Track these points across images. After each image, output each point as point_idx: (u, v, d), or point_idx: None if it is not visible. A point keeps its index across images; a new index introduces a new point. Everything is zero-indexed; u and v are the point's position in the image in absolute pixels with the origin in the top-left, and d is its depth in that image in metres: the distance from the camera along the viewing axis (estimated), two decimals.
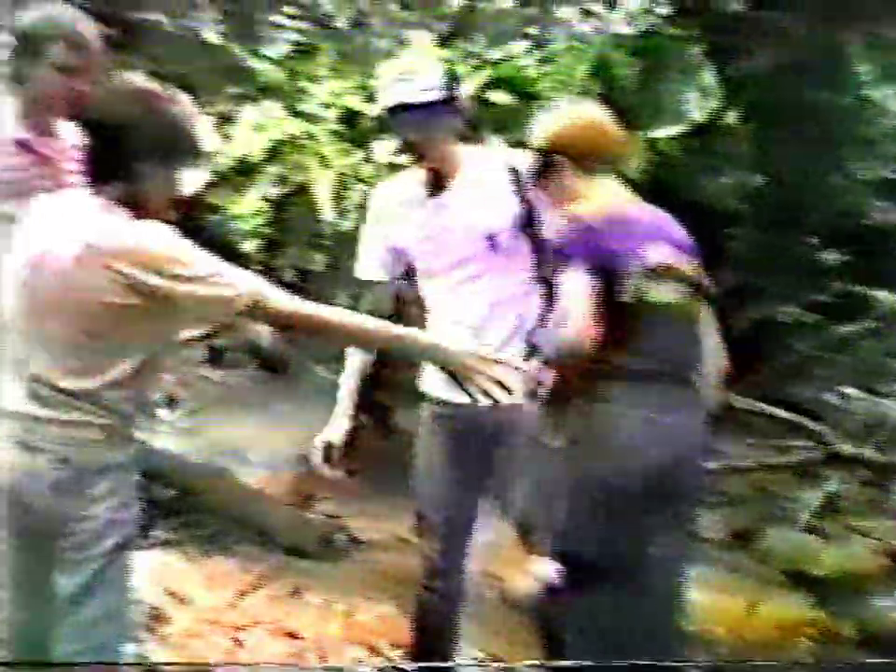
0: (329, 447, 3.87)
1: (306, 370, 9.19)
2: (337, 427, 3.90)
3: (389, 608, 5.38)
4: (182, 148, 2.96)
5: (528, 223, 3.61)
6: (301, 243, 5.98)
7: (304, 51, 7.35)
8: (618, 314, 3.14)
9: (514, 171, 3.61)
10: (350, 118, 6.32)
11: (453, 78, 3.57)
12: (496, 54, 6.25)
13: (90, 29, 3.55)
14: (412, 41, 6.89)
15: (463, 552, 3.88)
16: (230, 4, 8.35)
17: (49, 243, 2.93)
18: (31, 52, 3.47)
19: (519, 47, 6.23)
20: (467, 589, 3.92)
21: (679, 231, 3.37)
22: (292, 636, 5.02)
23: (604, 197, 3.33)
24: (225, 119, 6.85)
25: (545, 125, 3.46)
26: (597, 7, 6.10)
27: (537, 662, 3.82)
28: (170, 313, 2.92)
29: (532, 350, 3.41)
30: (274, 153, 6.20)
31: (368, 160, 5.73)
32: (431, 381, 3.76)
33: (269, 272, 6.16)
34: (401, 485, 7.56)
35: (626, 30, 5.76)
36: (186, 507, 6.56)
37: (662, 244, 3.26)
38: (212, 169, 6.25)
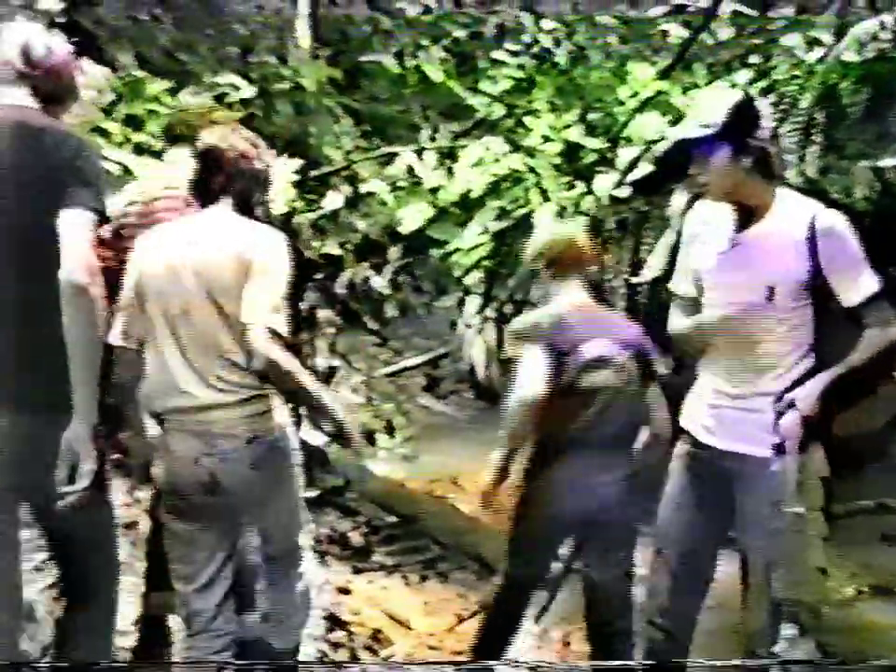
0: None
1: None
2: None
3: None
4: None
5: (814, 284, 3.54)
6: (522, 275, 6.04)
7: (523, 86, 7.44)
8: (561, 396, 3.91)
9: (814, 228, 3.53)
10: (570, 151, 6.36)
11: (742, 117, 3.49)
12: (717, 85, 6.19)
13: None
14: (630, 74, 6.89)
15: (695, 596, 3.82)
16: (453, 43, 8.57)
17: (195, 251, 3.50)
18: None
19: (741, 76, 6.15)
20: (692, 635, 3.84)
21: (627, 330, 4.16)
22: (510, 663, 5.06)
23: (569, 299, 4.08)
24: (447, 155, 7.01)
25: (531, 243, 4.26)
26: (824, 36, 5.96)
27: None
28: None
29: (789, 406, 3.46)
30: (496, 187, 6.29)
31: (589, 192, 5.75)
32: (691, 418, 3.75)
33: (488, 302, 6.26)
34: None
35: (853, 57, 5.60)
36: (405, 533, 6.69)
37: (603, 340, 3.99)
38: (434, 204, 6.41)
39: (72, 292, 3.07)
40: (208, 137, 3.75)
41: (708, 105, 3.66)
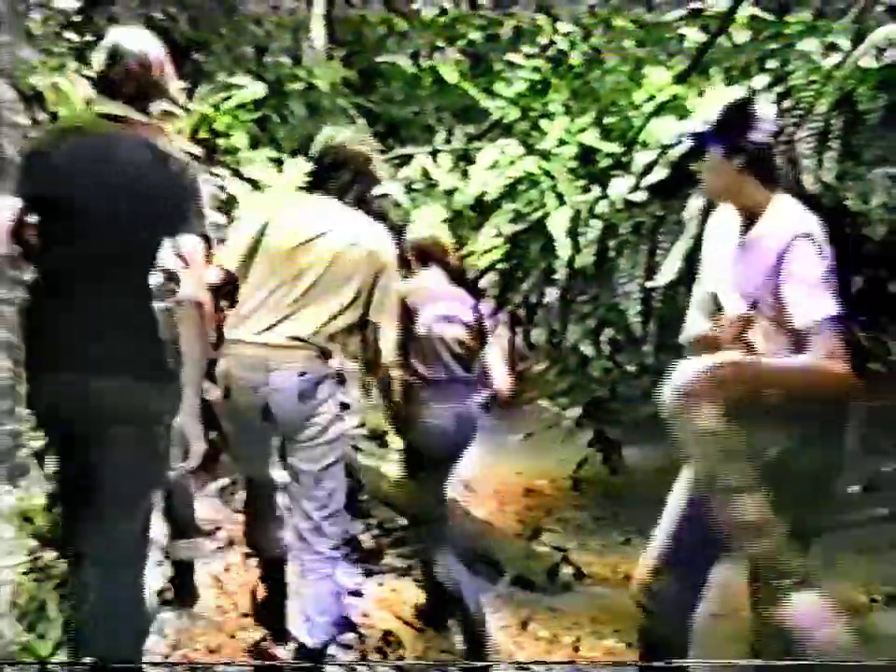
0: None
1: (534, 403, 9.24)
2: None
3: (614, 642, 5.37)
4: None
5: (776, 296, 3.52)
6: (536, 278, 6.02)
7: (539, 89, 7.42)
8: (421, 341, 5.12)
9: (791, 239, 3.50)
10: (586, 154, 6.33)
11: (735, 117, 3.53)
12: (734, 90, 6.15)
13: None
14: (646, 77, 6.87)
15: (693, 590, 3.81)
16: (468, 45, 8.55)
17: (328, 232, 4.27)
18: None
19: (758, 81, 6.11)
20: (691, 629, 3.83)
21: (469, 301, 5.39)
22: (521, 667, 5.06)
23: (425, 279, 5.28)
24: (461, 158, 6.99)
25: (408, 236, 5.44)
26: (842, 41, 5.91)
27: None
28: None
29: None
30: (511, 190, 6.28)
31: (604, 196, 5.72)
32: None
33: (502, 306, 6.22)
34: (626, 520, 7.56)
35: (871, 63, 5.55)
36: (416, 535, 6.68)
37: (450, 302, 5.25)
38: (449, 207, 6.41)
39: (190, 308, 3.54)
40: (338, 136, 4.50)
41: (712, 104, 3.69)
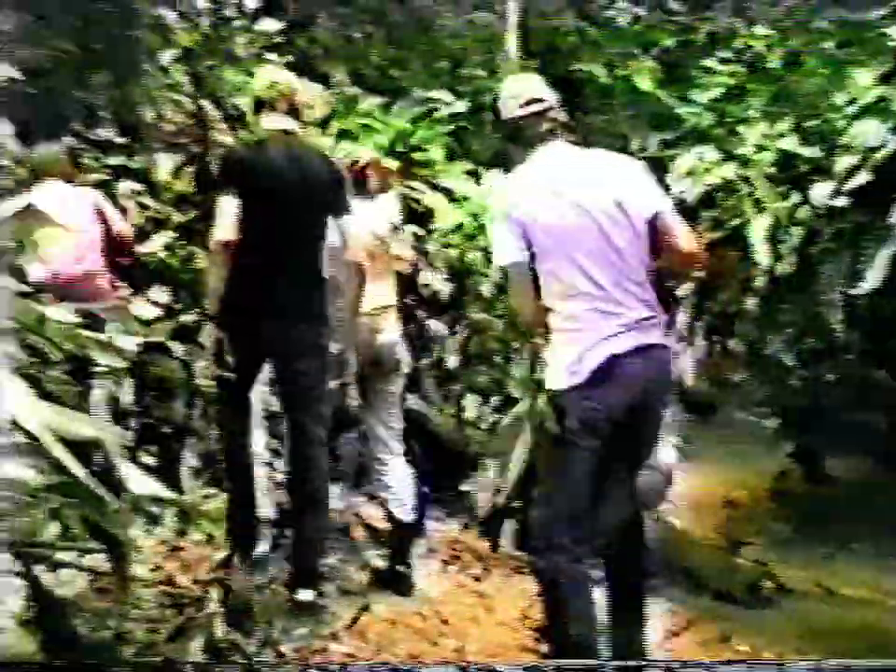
0: None
1: (732, 414, 9.08)
2: None
3: (817, 660, 5.22)
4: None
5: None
6: (734, 286, 5.95)
7: (735, 94, 7.32)
8: None
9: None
10: (786, 159, 6.22)
11: (496, 106, 4.18)
12: None
13: None
14: (848, 79, 6.70)
15: None
16: (662, 52, 8.49)
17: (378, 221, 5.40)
18: None
19: None
20: None
21: None
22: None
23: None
24: (656, 165, 6.93)
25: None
26: None
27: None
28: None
29: None
30: (708, 197, 6.22)
31: (805, 202, 5.62)
32: None
33: (700, 315, 6.18)
34: (829, 534, 7.34)
35: None
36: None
37: None
38: None
39: (352, 266, 4.86)
40: (368, 155, 5.61)
41: None
